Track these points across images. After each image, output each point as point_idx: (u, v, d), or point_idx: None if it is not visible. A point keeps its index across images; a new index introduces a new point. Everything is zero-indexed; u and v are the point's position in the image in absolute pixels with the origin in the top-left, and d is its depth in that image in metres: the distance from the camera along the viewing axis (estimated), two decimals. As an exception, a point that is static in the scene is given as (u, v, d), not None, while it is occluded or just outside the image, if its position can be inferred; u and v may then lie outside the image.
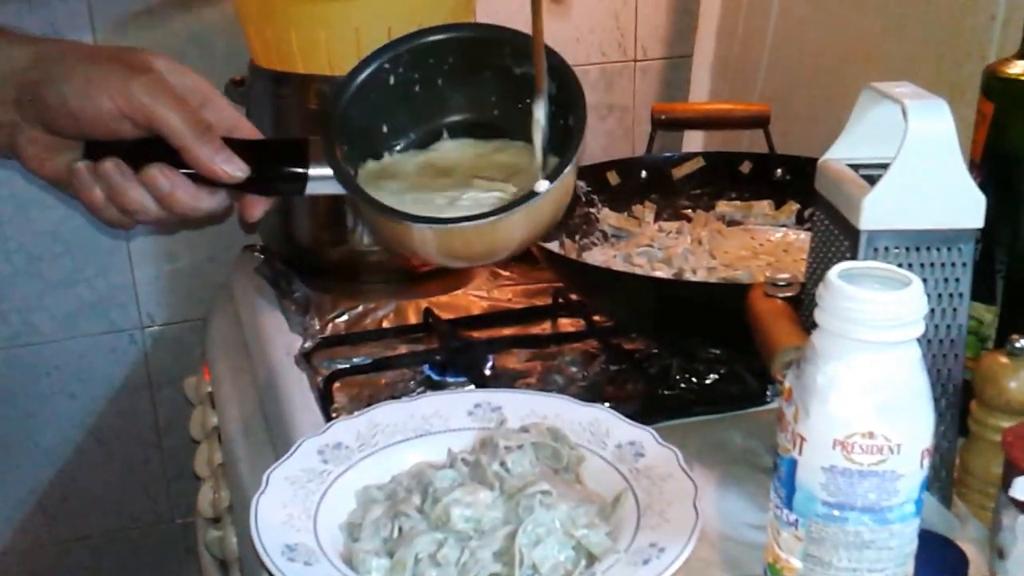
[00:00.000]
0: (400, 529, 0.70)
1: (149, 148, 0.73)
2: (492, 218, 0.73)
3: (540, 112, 0.77)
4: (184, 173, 0.73)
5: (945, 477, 0.74)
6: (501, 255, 0.81)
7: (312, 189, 0.75)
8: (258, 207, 0.78)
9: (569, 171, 0.75)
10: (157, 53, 0.75)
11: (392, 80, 0.81)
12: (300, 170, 0.75)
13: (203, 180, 0.74)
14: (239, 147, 0.74)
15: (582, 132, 0.76)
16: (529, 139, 0.79)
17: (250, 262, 1.32)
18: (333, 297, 1.18)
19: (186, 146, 0.72)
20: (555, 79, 0.78)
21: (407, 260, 1.23)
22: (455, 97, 0.82)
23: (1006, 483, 0.64)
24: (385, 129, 0.83)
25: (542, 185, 0.73)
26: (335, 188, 0.75)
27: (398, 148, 0.85)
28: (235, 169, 0.73)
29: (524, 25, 1.51)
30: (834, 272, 0.60)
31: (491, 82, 0.77)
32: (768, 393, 0.92)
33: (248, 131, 0.78)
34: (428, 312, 1.13)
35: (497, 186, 0.78)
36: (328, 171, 0.75)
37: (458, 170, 0.82)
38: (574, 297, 1.14)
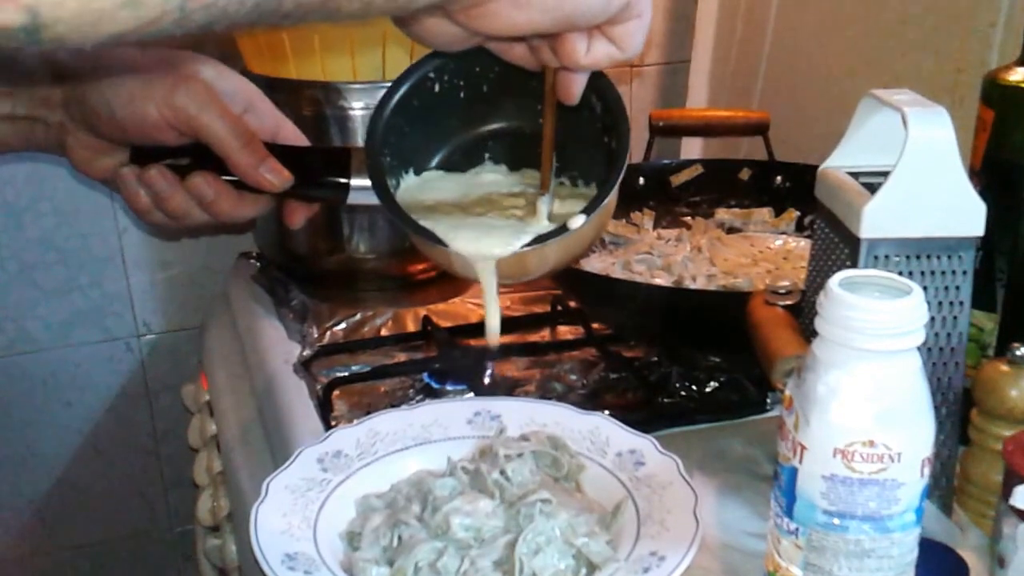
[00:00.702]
0: (400, 538, 0.69)
1: (194, 153, 0.74)
2: (523, 249, 0.73)
3: (543, 206, 0.77)
4: (227, 180, 0.75)
5: (946, 485, 0.74)
6: (533, 276, 0.81)
7: (354, 199, 0.77)
8: (299, 214, 0.80)
9: (609, 199, 0.75)
10: (204, 58, 0.76)
11: (438, 88, 0.81)
12: (342, 180, 0.76)
13: (246, 187, 0.75)
14: (282, 154, 0.75)
15: (624, 159, 0.75)
16: (568, 170, 0.81)
17: (246, 270, 1.32)
18: (331, 305, 1.18)
19: (231, 155, 0.73)
20: (600, 99, 0.78)
21: (405, 268, 1.23)
22: (501, 103, 0.81)
23: (1006, 491, 0.64)
24: (431, 136, 0.83)
25: (577, 221, 0.73)
26: (376, 199, 0.76)
27: (439, 161, 0.84)
28: (278, 178, 0.75)
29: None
30: (834, 281, 0.60)
31: (537, 91, 0.78)
32: (768, 401, 0.92)
33: (292, 134, 0.79)
34: (427, 320, 1.13)
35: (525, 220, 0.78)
36: (368, 182, 0.76)
37: (493, 197, 0.82)
38: (573, 305, 1.13)
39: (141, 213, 0.77)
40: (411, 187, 0.82)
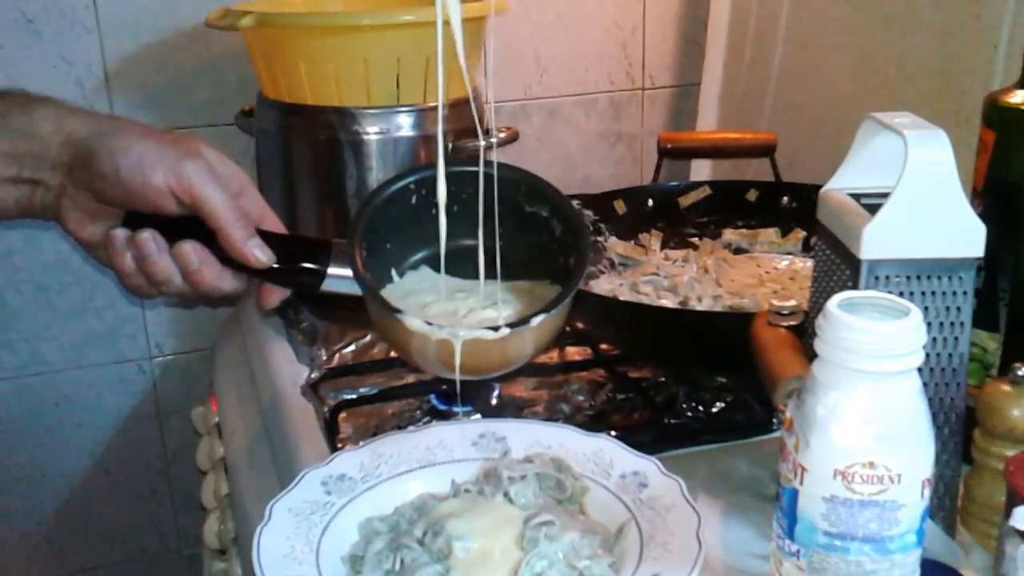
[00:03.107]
0: (402, 561, 0.69)
1: (184, 225, 0.78)
2: (475, 335, 0.77)
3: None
4: (213, 253, 0.79)
5: (949, 506, 0.74)
6: (490, 373, 0.86)
7: (327, 286, 0.81)
8: (274, 296, 0.83)
9: (561, 309, 0.80)
10: (204, 141, 0.81)
11: (414, 200, 0.87)
12: (319, 267, 0.80)
13: (229, 262, 0.79)
14: (267, 238, 0.80)
15: (582, 274, 0.82)
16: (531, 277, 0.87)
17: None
18: (341, 327, 1.18)
19: (223, 228, 0.78)
20: (563, 222, 0.86)
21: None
22: (470, 223, 0.86)
23: (1008, 512, 0.64)
24: (402, 243, 0.89)
25: (536, 320, 0.77)
26: (349, 287, 0.80)
27: (413, 264, 0.91)
28: (264, 254, 0.79)
29: (532, 53, 1.52)
30: (833, 302, 0.60)
31: (504, 216, 0.84)
32: (774, 422, 0.92)
33: (274, 224, 0.84)
34: (435, 342, 1.13)
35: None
36: (344, 271, 0.80)
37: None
38: (581, 326, 1.14)
39: (123, 275, 0.80)
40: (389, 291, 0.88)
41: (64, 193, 0.79)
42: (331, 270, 0.80)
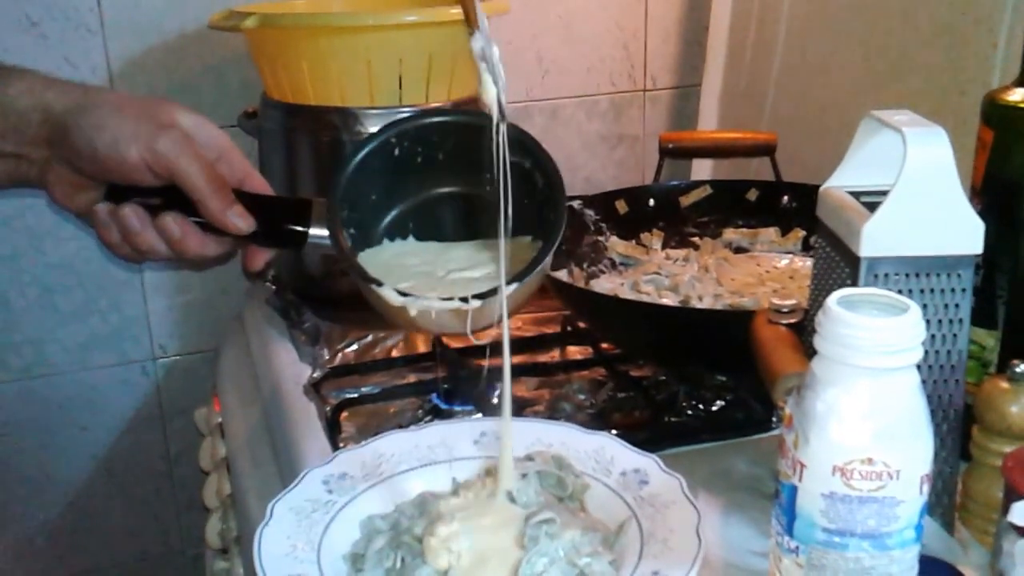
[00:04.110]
0: (403, 559, 0.70)
1: (166, 195, 0.80)
2: (462, 305, 0.77)
3: (476, 44, 0.78)
4: (195, 221, 0.80)
5: (947, 502, 0.74)
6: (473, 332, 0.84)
7: (310, 246, 0.82)
8: (260, 257, 0.85)
9: (539, 271, 0.80)
10: (181, 106, 0.82)
11: (398, 152, 0.87)
12: (301, 228, 0.81)
13: (212, 229, 0.80)
14: (248, 201, 0.81)
15: (557, 239, 0.81)
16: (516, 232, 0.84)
17: (261, 293, 1.33)
18: (343, 327, 1.19)
19: (201, 199, 0.79)
20: (544, 176, 0.85)
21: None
22: (454, 171, 0.87)
23: (1006, 508, 0.64)
24: (385, 196, 0.88)
25: (509, 288, 0.77)
26: (332, 247, 0.81)
27: (394, 217, 0.90)
28: (243, 223, 0.80)
29: (534, 55, 1.52)
30: (832, 299, 0.60)
31: (488, 165, 0.82)
32: (774, 420, 0.92)
33: (258, 183, 0.85)
34: (436, 341, 1.13)
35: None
36: (326, 232, 0.81)
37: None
38: (582, 325, 1.14)
39: (110, 246, 0.82)
40: (374, 254, 0.87)
41: (48, 166, 0.80)
42: (313, 230, 0.81)
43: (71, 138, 0.78)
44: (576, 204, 1.18)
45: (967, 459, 0.75)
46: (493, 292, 0.77)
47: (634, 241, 1.23)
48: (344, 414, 0.99)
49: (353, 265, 0.80)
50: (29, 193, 1.33)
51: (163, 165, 0.78)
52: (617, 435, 0.83)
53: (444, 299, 0.78)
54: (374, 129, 1.13)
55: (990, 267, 0.79)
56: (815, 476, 0.60)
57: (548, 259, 0.81)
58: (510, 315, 0.82)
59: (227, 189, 0.80)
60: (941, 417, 0.72)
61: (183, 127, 0.80)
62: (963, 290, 0.71)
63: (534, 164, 0.86)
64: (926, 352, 0.69)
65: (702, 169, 1.55)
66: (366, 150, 0.85)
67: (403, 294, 0.78)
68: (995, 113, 0.80)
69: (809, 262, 1.15)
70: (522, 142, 0.86)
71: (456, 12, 1.15)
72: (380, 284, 0.78)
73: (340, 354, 1.14)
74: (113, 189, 0.80)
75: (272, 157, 1.25)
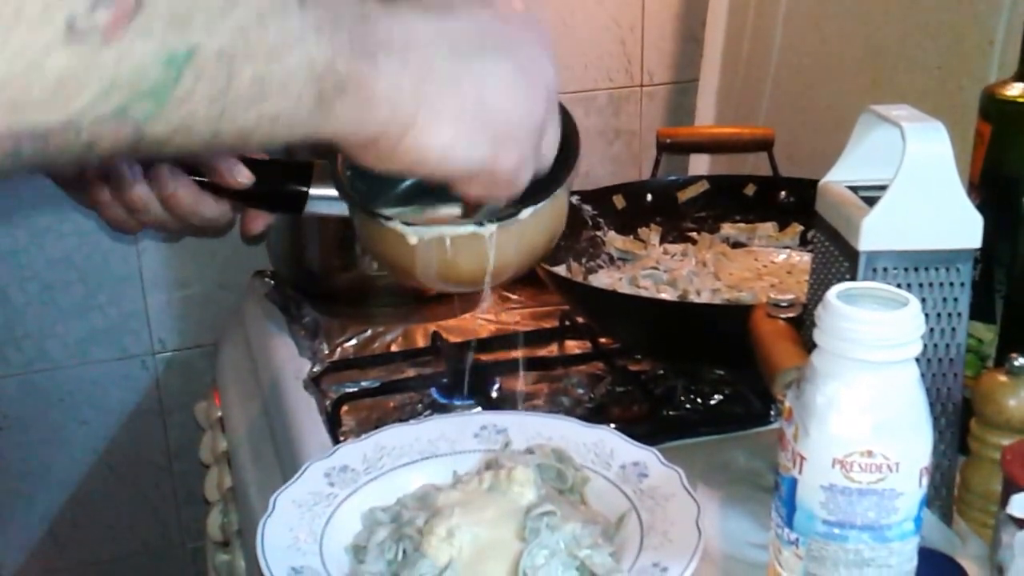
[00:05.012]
0: (404, 551, 0.70)
1: None
2: (478, 228, 0.73)
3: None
4: (192, 180, 0.76)
5: (946, 495, 0.75)
6: (493, 279, 0.79)
7: (311, 208, 0.79)
8: (259, 221, 0.82)
9: (560, 194, 0.76)
10: None
11: None
12: (302, 188, 0.78)
13: (208, 187, 0.77)
14: (247, 162, 0.77)
15: (570, 171, 0.76)
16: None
17: (260, 288, 1.33)
18: (342, 322, 1.19)
19: None
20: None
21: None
22: None
23: (1004, 500, 0.65)
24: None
25: (526, 212, 0.74)
26: (333, 208, 0.78)
27: (400, 191, 0.85)
28: (240, 175, 0.76)
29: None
30: (832, 293, 0.61)
31: None
32: (772, 413, 0.93)
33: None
34: (436, 335, 1.14)
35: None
36: (327, 191, 0.78)
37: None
38: (581, 320, 1.14)
39: (100, 206, 0.78)
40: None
41: None
42: (313, 190, 0.78)
43: None
44: (574, 200, 1.19)
45: (965, 452, 0.75)
46: (512, 214, 0.73)
47: (632, 236, 1.23)
48: (344, 408, 1.00)
49: (358, 205, 0.77)
50: (29, 188, 1.33)
51: None
52: (616, 429, 0.84)
53: (457, 224, 0.74)
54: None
55: (988, 261, 0.79)
56: (815, 468, 0.61)
57: (568, 185, 0.76)
58: (529, 260, 0.78)
59: None
60: (940, 410, 0.72)
61: None
62: (962, 284, 0.71)
63: None
64: (925, 346, 0.69)
65: (699, 164, 1.55)
66: None
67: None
68: (993, 108, 0.80)
69: (807, 257, 1.15)
70: None
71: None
72: (389, 218, 0.74)
73: (340, 348, 1.15)
74: None
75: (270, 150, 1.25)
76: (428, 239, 0.73)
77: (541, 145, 0.67)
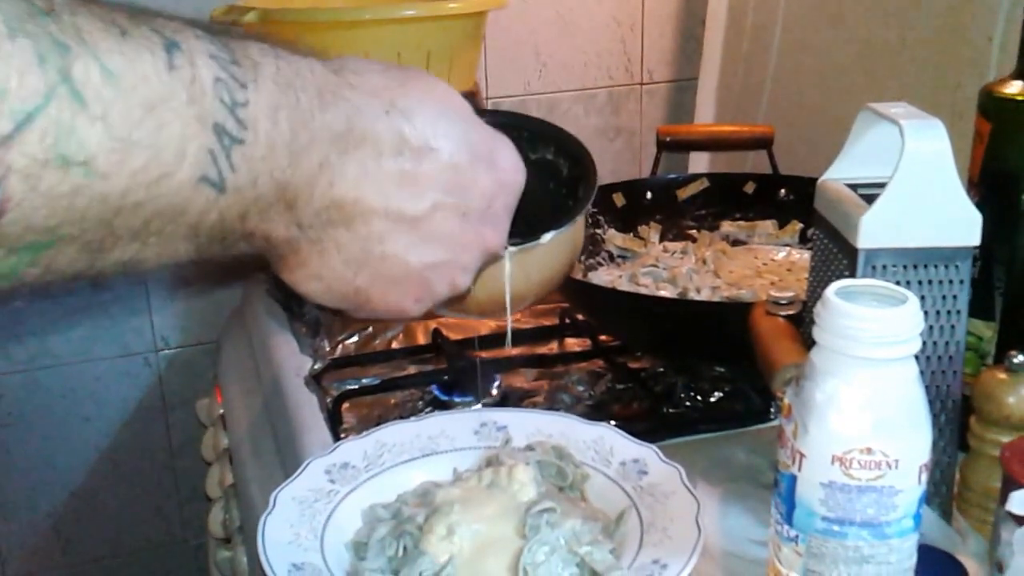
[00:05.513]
0: (405, 548, 0.70)
1: None
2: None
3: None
4: None
5: (945, 492, 0.75)
6: (512, 305, 0.81)
7: None
8: None
9: (578, 220, 0.78)
10: None
11: None
12: None
13: None
14: None
15: (589, 198, 0.80)
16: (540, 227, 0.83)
17: (262, 284, 1.33)
18: (343, 319, 1.19)
19: None
20: (569, 158, 0.84)
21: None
22: None
23: (1004, 497, 0.65)
24: None
25: (546, 237, 0.76)
26: None
27: None
28: None
29: (532, 49, 1.52)
30: (831, 290, 0.61)
31: None
32: (772, 410, 0.93)
33: None
34: (436, 333, 1.14)
35: None
36: None
37: None
38: (581, 317, 1.14)
39: None
40: None
41: None
42: None
43: None
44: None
45: (965, 449, 0.75)
46: (532, 239, 0.75)
47: (632, 234, 1.23)
48: (345, 405, 1.00)
49: None
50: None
51: None
52: (616, 426, 0.84)
53: None
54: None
55: (987, 258, 0.80)
56: (814, 465, 0.61)
57: (585, 212, 0.79)
58: (543, 287, 0.80)
59: None
60: (939, 407, 0.72)
61: None
62: (961, 281, 0.71)
63: (557, 150, 0.84)
64: (924, 343, 0.69)
65: (699, 162, 1.55)
66: None
67: None
68: (992, 105, 0.80)
69: (806, 254, 1.15)
70: (541, 132, 0.85)
71: (453, 7, 1.16)
72: None
73: (341, 346, 1.15)
74: None
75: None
76: None
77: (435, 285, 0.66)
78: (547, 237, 0.75)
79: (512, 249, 0.74)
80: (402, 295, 0.64)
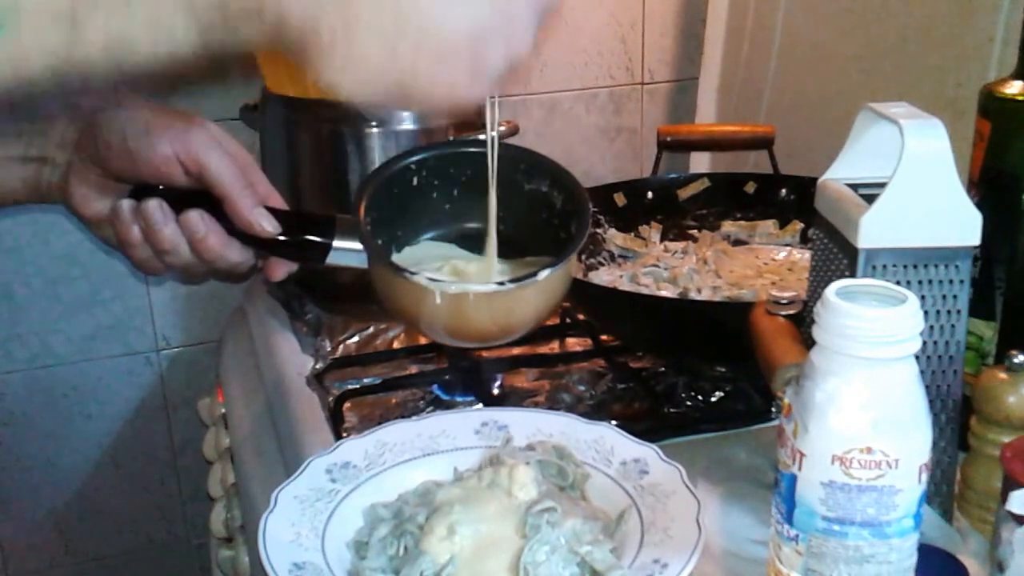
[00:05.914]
0: (406, 547, 0.70)
1: (191, 197, 0.78)
2: (499, 288, 0.77)
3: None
4: (219, 223, 0.79)
5: (946, 492, 0.75)
6: (509, 334, 0.84)
7: (332, 259, 0.81)
8: (280, 269, 0.84)
9: (567, 264, 0.81)
10: (209, 121, 0.80)
11: (415, 181, 0.88)
12: (324, 240, 0.80)
13: (236, 233, 0.79)
14: (273, 213, 0.80)
15: (583, 237, 0.82)
16: (531, 252, 0.86)
17: (263, 284, 1.33)
18: (345, 318, 1.19)
19: (230, 196, 0.77)
20: (563, 192, 0.86)
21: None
22: (469, 207, 0.87)
23: (1004, 497, 0.65)
24: (404, 225, 0.89)
25: (544, 273, 0.78)
26: (353, 260, 0.81)
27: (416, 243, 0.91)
28: (269, 224, 0.79)
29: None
30: (831, 290, 0.61)
31: (502, 197, 0.84)
32: (772, 410, 0.93)
33: (278, 202, 0.83)
34: (437, 332, 1.14)
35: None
36: (349, 245, 0.80)
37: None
38: (581, 317, 1.15)
39: (128, 246, 0.80)
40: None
41: (71, 170, 0.78)
42: (336, 242, 0.80)
43: (102, 131, 0.76)
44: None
45: (965, 449, 0.75)
46: (530, 276, 0.77)
47: (632, 234, 1.23)
48: (346, 405, 1.00)
49: (382, 259, 0.80)
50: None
51: (193, 158, 0.76)
52: (617, 426, 0.84)
53: (480, 283, 0.78)
54: (374, 123, 1.16)
55: (988, 258, 0.80)
56: (814, 465, 0.61)
57: (580, 247, 0.82)
58: (535, 320, 0.82)
59: (254, 190, 0.79)
60: (940, 407, 0.72)
61: (212, 130, 0.78)
62: (961, 281, 0.71)
63: (552, 183, 0.87)
64: (925, 343, 0.69)
65: (700, 162, 1.55)
66: (386, 173, 0.86)
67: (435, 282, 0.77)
68: (992, 105, 0.80)
69: (807, 254, 1.15)
70: (538, 164, 0.87)
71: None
72: (414, 273, 0.77)
73: (342, 345, 1.15)
74: (138, 190, 0.79)
75: (273, 150, 1.25)
76: (451, 296, 0.77)
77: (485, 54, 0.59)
78: (543, 275, 0.77)
79: (510, 285, 0.77)
80: (453, 72, 0.57)
